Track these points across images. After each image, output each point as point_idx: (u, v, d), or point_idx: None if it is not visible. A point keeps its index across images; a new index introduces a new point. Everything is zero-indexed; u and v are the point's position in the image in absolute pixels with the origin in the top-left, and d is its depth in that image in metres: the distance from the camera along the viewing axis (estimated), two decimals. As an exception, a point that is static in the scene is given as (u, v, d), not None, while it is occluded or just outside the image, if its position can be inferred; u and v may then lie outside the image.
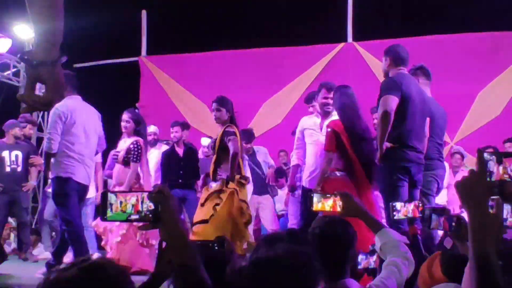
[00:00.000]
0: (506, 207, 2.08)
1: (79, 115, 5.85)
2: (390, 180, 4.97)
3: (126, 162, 6.52)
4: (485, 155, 1.72)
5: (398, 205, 3.03)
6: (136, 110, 8.43)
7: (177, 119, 9.05)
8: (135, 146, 6.53)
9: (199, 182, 8.05)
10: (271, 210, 8.07)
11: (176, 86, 10.65)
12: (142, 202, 1.70)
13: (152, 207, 1.69)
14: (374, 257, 3.00)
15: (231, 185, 5.72)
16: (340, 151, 5.56)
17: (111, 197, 1.72)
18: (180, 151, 7.96)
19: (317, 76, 9.65)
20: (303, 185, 6.54)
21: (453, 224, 2.68)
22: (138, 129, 6.72)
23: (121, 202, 1.71)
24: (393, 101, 4.91)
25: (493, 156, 1.73)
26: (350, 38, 9.84)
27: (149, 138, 8.13)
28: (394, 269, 2.45)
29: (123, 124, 6.65)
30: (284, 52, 10.19)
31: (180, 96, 10.58)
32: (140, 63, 10.94)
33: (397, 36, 8.78)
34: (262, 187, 7.87)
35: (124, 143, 6.63)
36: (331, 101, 6.03)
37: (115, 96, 10.85)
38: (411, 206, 2.97)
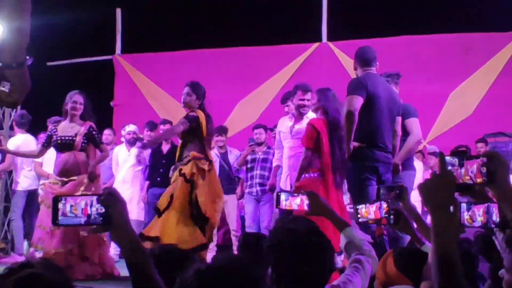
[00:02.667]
0: (462, 207, 2.10)
1: None
2: (358, 179, 5.00)
3: (84, 149, 6.18)
4: (447, 158, 1.75)
5: (360, 206, 3.03)
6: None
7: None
8: (95, 129, 6.29)
9: None
10: (235, 209, 8.05)
11: (150, 85, 10.58)
12: (91, 205, 1.71)
13: (102, 210, 1.70)
14: (342, 256, 3.02)
15: (185, 168, 5.61)
16: (318, 150, 5.53)
17: (61, 202, 1.72)
18: (165, 149, 7.94)
19: (291, 76, 9.67)
20: (281, 187, 6.54)
21: (392, 217, 2.72)
22: (83, 114, 6.36)
23: (71, 206, 1.72)
24: (358, 101, 4.95)
25: (455, 159, 1.76)
26: (324, 38, 9.87)
27: (129, 137, 8.17)
28: (359, 266, 2.47)
29: (77, 106, 6.30)
30: (259, 52, 10.18)
31: (154, 95, 10.52)
32: (115, 61, 10.85)
33: (371, 36, 8.85)
34: (229, 186, 7.80)
35: (72, 128, 6.23)
36: (307, 103, 6.05)
37: (89, 95, 10.69)
38: (373, 208, 2.94)
